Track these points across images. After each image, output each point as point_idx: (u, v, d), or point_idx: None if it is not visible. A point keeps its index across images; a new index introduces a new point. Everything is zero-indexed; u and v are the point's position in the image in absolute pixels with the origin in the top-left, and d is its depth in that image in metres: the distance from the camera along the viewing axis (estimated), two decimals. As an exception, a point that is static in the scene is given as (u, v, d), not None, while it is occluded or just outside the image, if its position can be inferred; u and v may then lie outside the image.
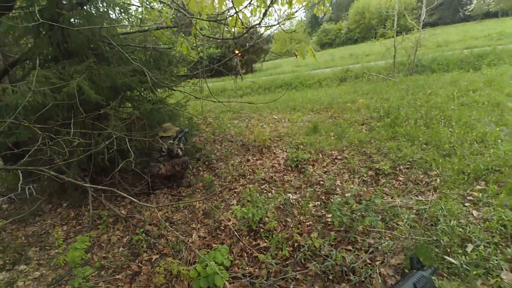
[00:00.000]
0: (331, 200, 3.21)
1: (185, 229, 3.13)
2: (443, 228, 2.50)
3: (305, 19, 56.95)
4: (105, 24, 3.91)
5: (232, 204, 3.49)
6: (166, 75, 4.73)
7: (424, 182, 3.42)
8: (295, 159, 4.31)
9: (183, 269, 2.17)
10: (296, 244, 2.61)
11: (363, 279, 2.19)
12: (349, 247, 2.51)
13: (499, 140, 3.83)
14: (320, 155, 4.52)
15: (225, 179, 4.17)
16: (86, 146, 3.65)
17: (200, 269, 2.08)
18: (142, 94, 4.60)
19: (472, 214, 2.75)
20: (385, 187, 3.45)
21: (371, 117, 5.99)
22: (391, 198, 3.21)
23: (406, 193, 3.26)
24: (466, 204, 2.91)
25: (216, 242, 2.79)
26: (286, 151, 4.89)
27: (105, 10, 3.95)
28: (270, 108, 8.21)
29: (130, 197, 2.43)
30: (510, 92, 5.92)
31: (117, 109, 4.23)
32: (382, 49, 10.27)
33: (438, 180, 3.38)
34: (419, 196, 3.15)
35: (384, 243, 2.50)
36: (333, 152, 4.58)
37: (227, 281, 2.17)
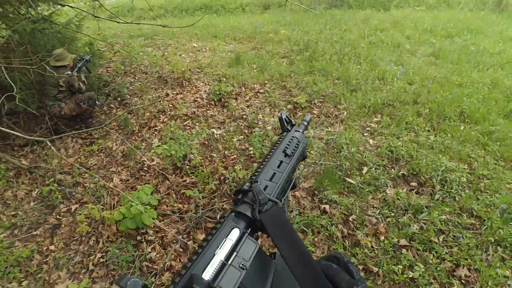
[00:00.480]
0: (253, 133, 3.37)
1: (104, 174, 2.91)
2: (345, 155, 2.95)
3: None
4: None
5: (153, 143, 3.33)
6: None
7: (333, 115, 3.85)
8: (218, 93, 4.22)
9: (106, 214, 2.09)
10: (222, 178, 2.75)
11: (281, 203, 2.51)
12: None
13: (395, 78, 4.45)
14: (243, 88, 4.51)
15: (143, 117, 3.86)
16: None
17: (124, 211, 2.03)
18: (19, 10, 3.55)
19: (369, 142, 3.29)
20: (300, 119, 3.76)
21: (291, 50, 6.08)
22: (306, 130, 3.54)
23: (319, 125, 3.64)
24: (365, 134, 3.45)
25: (140, 184, 2.72)
26: (208, 84, 4.70)
27: None
28: (188, 35, 7.47)
29: (27, 137, 2.05)
30: (409, 35, 6.70)
31: None
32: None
33: (345, 113, 3.85)
34: (329, 128, 3.57)
35: (298, 170, 2.84)
36: (255, 85, 4.61)
37: (155, 219, 2.20)
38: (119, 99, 4.29)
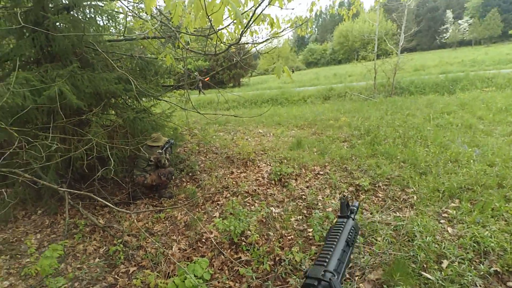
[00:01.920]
0: (313, 214, 3.23)
1: (165, 240, 3.03)
2: (419, 244, 2.56)
3: (292, 38, 58.81)
4: (91, 30, 3.87)
5: (215, 216, 3.44)
6: (151, 84, 4.70)
7: (401, 199, 3.51)
8: (279, 173, 4.33)
9: (160, 282, 2.09)
10: (277, 258, 2.59)
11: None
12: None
13: (471, 160, 4.02)
14: (303, 170, 4.56)
15: (208, 191, 4.11)
16: (65, 152, 3.53)
17: (178, 282, 2.01)
18: (127, 102, 4.53)
19: (447, 231, 2.84)
20: (365, 202, 3.52)
21: (352, 134, 6.15)
22: (370, 213, 3.26)
23: (385, 209, 3.33)
24: (441, 221, 3.01)
25: (196, 255, 2.72)
26: (270, 165, 4.90)
27: (92, 16, 3.91)
28: (255, 122, 8.28)
29: (109, 204, 2.34)
30: (482, 115, 6.29)
31: (99, 115, 4.13)
32: (364, 71, 10.74)
33: (415, 197, 3.49)
34: (397, 213, 3.22)
35: (363, 258, 2.52)
36: (315, 167, 4.64)
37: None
38: (190, 174, 4.72)
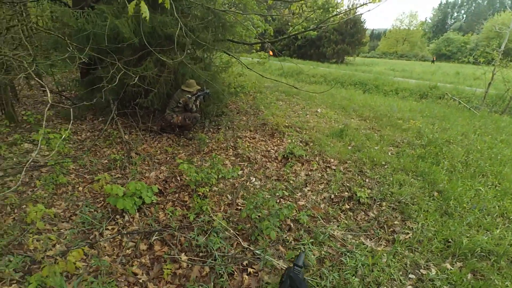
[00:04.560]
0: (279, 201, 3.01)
1: (155, 167, 3.44)
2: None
3: (430, 21, 47.53)
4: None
5: (204, 165, 3.59)
6: (217, 36, 4.82)
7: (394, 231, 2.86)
8: (290, 152, 4.07)
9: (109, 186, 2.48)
10: (206, 218, 2.62)
11: (223, 272, 2.11)
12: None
13: None
14: (317, 158, 4.14)
15: (219, 145, 4.27)
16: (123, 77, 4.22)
17: (115, 189, 2.34)
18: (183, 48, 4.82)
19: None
20: (347, 218, 2.96)
21: (409, 142, 5.04)
22: (349, 231, 2.75)
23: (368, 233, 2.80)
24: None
25: (161, 186, 3.03)
26: (294, 143, 4.63)
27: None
28: (319, 101, 7.69)
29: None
30: None
31: (152, 55, 4.56)
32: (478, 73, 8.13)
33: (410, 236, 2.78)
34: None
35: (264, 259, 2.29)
36: (333, 160, 4.12)
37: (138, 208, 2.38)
38: (219, 127, 4.95)
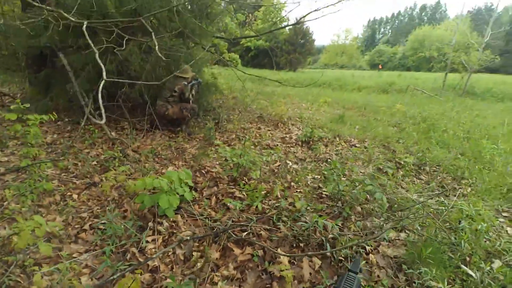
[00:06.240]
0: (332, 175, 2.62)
1: (166, 163, 2.73)
2: (465, 235, 1.82)
3: (361, 36, 54.51)
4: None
5: (225, 157, 3.02)
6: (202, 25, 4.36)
7: (451, 187, 2.70)
8: (309, 135, 3.74)
9: (132, 182, 1.75)
10: (274, 203, 2.08)
11: (341, 258, 1.61)
12: (339, 223, 1.91)
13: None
14: (337, 138, 3.90)
15: (228, 137, 3.72)
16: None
17: (149, 182, 1.63)
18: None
19: (507, 231, 2.04)
20: (403, 181, 2.78)
21: (405, 121, 5.19)
22: (406, 191, 2.54)
23: (426, 191, 2.58)
24: (500, 219, 2.19)
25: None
26: (301, 130, 4.32)
27: None
28: (300, 98, 7.64)
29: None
30: None
31: (137, 35, 3.91)
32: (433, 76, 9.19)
33: (469, 189, 2.65)
34: (441, 198, 2.45)
35: (384, 229, 1.89)
36: (352, 139, 3.93)
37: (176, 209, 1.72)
38: (216, 121, 4.38)
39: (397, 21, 59.23)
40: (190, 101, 3.72)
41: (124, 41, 3.14)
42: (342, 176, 2.33)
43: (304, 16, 5.46)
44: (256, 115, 5.07)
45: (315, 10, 4.73)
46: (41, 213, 1.89)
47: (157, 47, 2.70)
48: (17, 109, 2.31)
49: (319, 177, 2.71)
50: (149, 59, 3.70)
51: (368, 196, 2.17)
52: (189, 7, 4.26)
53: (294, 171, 2.78)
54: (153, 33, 2.89)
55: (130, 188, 1.75)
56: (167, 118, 3.66)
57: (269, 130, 4.22)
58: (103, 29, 3.43)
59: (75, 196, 2.11)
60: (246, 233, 1.70)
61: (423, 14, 55.01)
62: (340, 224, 1.86)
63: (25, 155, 2.30)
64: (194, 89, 3.82)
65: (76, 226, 1.80)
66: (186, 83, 3.63)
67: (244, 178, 2.44)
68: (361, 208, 2.19)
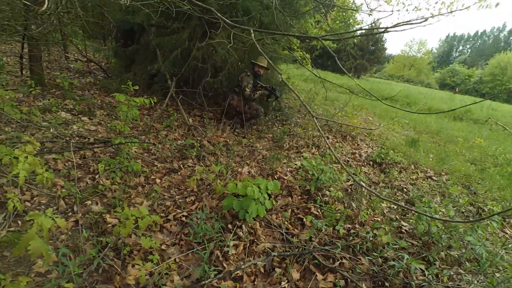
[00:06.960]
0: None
1: (239, 161, 2.76)
2: None
3: (435, 51, 49.73)
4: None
5: (295, 164, 2.97)
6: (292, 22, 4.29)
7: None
8: (382, 156, 3.51)
9: (220, 182, 1.78)
10: (355, 231, 1.98)
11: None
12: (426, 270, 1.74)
13: None
14: (413, 166, 3.60)
15: (297, 142, 3.66)
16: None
17: (240, 186, 1.65)
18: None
19: None
20: (487, 230, 2.46)
21: (485, 159, 4.63)
22: (491, 243, 2.25)
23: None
24: None
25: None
26: (371, 148, 4.09)
27: None
28: (369, 111, 7.25)
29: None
30: None
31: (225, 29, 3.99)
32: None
33: None
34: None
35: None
36: (428, 169, 3.61)
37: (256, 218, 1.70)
38: (284, 123, 4.34)
39: (479, 41, 52.85)
40: (249, 97, 3.56)
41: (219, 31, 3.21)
42: (434, 214, 2.12)
43: (394, 26, 5.09)
44: (323, 122, 4.91)
45: (408, 23, 4.39)
46: (130, 193, 2.01)
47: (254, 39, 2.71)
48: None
49: (395, 208, 2.53)
50: (233, 53, 3.76)
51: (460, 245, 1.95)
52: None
53: (368, 195, 2.63)
54: (251, 30, 2.89)
55: (217, 188, 1.78)
56: (232, 107, 3.62)
57: (337, 142, 4.06)
58: (197, 15, 3.55)
59: (158, 181, 2.22)
60: (331, 259, 1.63)
61: (511, 38, 48.42)
62: (424, 269, 1.70)
63: (112, 129, 2.48)
64: (262, 91, 3.68)
65: (162, 215, 1.88)
66: (249, 73, 3.56)
67: (319, 193, 2.36)
68: (445, 255, 1.99)
